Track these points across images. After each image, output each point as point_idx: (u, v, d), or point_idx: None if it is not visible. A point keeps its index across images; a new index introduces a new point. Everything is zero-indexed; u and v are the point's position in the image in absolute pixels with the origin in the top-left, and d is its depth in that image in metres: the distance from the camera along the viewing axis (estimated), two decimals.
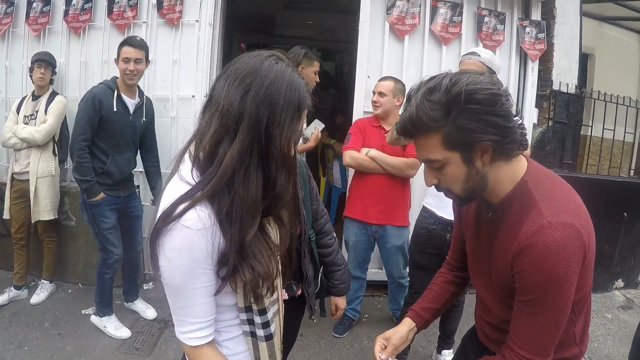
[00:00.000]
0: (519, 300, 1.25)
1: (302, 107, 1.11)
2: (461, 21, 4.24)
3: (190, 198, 1.04)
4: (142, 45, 3.39)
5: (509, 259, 1.25)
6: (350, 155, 3.35)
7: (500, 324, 1.43)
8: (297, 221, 1.93)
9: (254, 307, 1.18)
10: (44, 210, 3.84)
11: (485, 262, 1.43)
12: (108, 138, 3.36)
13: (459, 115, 1.14)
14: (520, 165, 1.31)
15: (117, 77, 3.42)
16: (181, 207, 1.03)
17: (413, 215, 3.38)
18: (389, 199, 3.31)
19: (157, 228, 1.04)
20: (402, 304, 3.33)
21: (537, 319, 1.23)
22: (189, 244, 1.03)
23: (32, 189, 3.76)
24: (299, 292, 2.06)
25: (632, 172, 5.69)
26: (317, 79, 3.73)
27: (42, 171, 3.79)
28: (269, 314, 1.22)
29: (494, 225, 1.36)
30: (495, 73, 2.64)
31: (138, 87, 3.57)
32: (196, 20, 4.06)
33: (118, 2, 4.10)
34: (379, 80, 3.44)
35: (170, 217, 1.02)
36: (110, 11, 4.12)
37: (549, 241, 1.15)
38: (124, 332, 3.55)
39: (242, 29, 7.32)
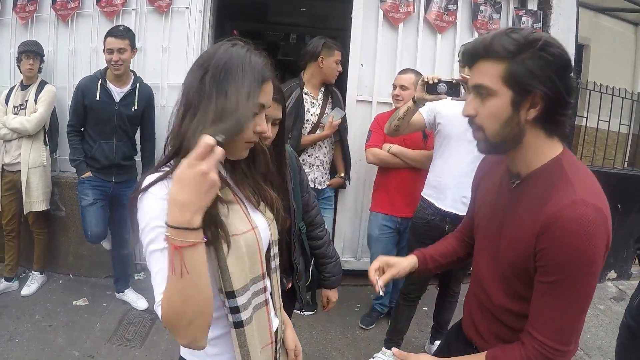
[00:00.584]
0: (542, 282, 1.20)
1: (259, 79, 1.12)
2: (456, 10, 4.19)
3: (160, 172, 1.10)
4: (124, 35, 3.42)
5: (533, 234, 1.20)
6: (372, 153, 3.42)
7: (497, 312, 1.39)
8: (286, 214, 1.90)
9: (223, 290, 1.15)
10: (36, 201, 3.80)
11: (495, 239, 1.39)
12: (94, 125, 3.52)
13: (530, 58, 1.16)
14: (557, 147, 1.28)
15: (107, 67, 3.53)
16: (150, 180, 1.09)
17: None
18: (414, 191, 3.26)
19: (131, 198, 1.10)
20: (398, 295, 3.29)
21: (561, 302, 1.18)
22: (156, 210, 1.05)
23: (23, 180, 3.71)
24: (289, 285, 2.04)
25: (625, 164, 5.68)
26: (340, 69, 3.62)
27: (33, 161, 3.74)
28: (240, 300, 1.16)
29: (517, 197, 1.32)
30: None
31: (134, 74, 3.64)
32: (186, 7, 4.00)
33: None
34: (400, 73, 3.41)
35: (139, 189, 1.08)
36: None
37: (582, 217, 1.12)
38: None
39: (234, 16, 7.22)
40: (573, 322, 1.20)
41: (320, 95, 3.67)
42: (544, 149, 1.27)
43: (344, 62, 3.76)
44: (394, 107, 3.45)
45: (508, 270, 1.31)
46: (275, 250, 1.35)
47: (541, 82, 1.16)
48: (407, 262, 1.69)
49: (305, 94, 3.60)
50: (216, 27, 4.43)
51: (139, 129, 3.75)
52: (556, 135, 1.27)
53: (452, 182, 2.84)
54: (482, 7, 4.23)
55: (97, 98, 3.43)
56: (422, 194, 3.08)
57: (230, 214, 1.16)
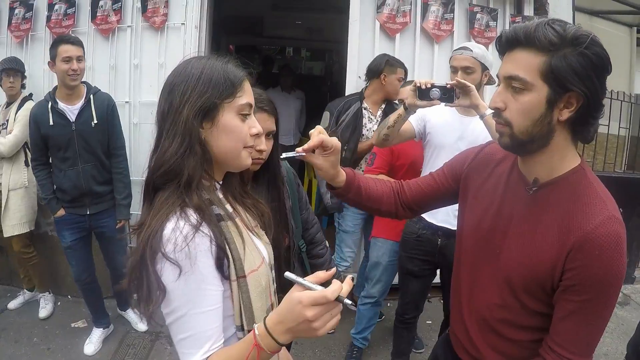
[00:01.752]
0: (571, 300, 1.14)
1: (232, 80, 1.12)
2: (453, 18, 4.16)
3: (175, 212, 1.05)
4: (80, 42, 3.20)
5: (561, 251, 1.14)
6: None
7: (494, 324, 1.33)
8: (285, 232, 1.87)
9: (244, 327, 1.12)
10: (17, 223, 3.62)
11: (495, 247, 1.32)
12: (56, 153, 3.21)
13: (573, 54, 1.09)
14: (576, 156, 1.23)
15: (57, 86, 3.23)
16: (175, 227, 1.03)
17: None
18: None
19: (150, 252, 1.01)
20: (395, 318, 3.13)
21: (591, 320, 1.14)
22: (208, 267, 1.04)
23: (3, 202, 3.59)
24: None
25: (625, 167, 5.64)
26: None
27: (13, 183, 3.59)
28: None
29: (536, 205, 1.24)
30: (488, 69, 2.54)
31: (87, 85, 3.31)
32: (182, 23, 3.96)
33: (102, 7, 3.99)
34: (402, 87, 3.28)
35: (159, 243, 1.02)
36: (93, 16, 4.01)
37: (615, 234, 1.10)
38: (88, 349, 3.43)
39: (230, 31, 7.25)
40: (598, 337, 1.17)
41: (379, 112, 3.64)
42: (568, 155, 1.21)
43: (342, 75, 3.72)
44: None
45: (517, 284, 1.25)
46: (272, 274, 1.31)
47: (581, 81, 1.10)
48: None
49: (365, 108, 3.59)
50: (212, 43, 4.41)
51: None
52: (580, 140, 1.21)
53: None
54: (478, 15, 4.20)
55: (51, 123, 3.09)
56: None
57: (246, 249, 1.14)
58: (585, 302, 1.12)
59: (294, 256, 1.96)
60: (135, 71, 3.95)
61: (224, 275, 1.06)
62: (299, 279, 0.97)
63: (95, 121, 3.20)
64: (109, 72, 3.98)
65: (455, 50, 2.67)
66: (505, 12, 4.36)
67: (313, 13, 7.09)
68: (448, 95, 2.23)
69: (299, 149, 1.33)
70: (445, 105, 2.32)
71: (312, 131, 1.35)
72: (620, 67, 7.47)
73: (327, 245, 2.20)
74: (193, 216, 1.03)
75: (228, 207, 1.19)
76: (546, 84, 1.12)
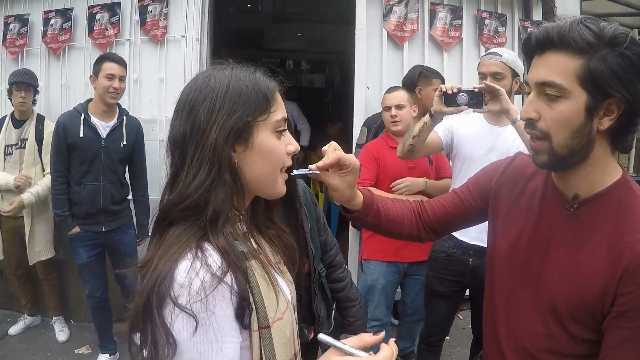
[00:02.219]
0: (623, 328, 1.02)
1: (265, 91, 0.98)
2: (461, 25, 4.07)
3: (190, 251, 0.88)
4: (124, 63, 3.24)
5: (612, 275, 1.02)
6: None
7: (539, 353, 1.19)
8: (304, 257, 1.72)
9: None
10: (42, 249, 3.58)
11: (534, 271, 1.18)
12: (78, 166, 3.15)
13: (611, 54, 0.97)
14: (618, 166, 1.11)
15: (91, 100, 3.23)
16: (189, 270, 0.85)
17: None
18: None
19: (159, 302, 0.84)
20: (419, 340, 3.00)
21: None
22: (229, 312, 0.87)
23: (27, 230, 3.49)
24: (312, 336, 1.84)
25: (631, 169, 5.56)
26: None
27: (37, 209, 3.52)
28: None
29: (580, 228, 1.11)
30: (519, 76, 2.40)
31: (119, 106, 3.32)
32: (182, 36, 3.86)
33: (99, 20, 3.90)
34: (387, 93, 3.02)
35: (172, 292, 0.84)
36: (90, 30, 3.92)
37: None
38: None
39: (230, 44, 7.20)
40: None
41: None
42: (609, 167, 1.09)
43: (342, 85, 3.59)
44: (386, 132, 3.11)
45: (563, 312, 1.11)
46: (295, 315, 1.14)
47: (622, 86, 0.98)
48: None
49: None
50: (213, 56, 4.30)
51: (127, 168, 3.40)
52: (619, 150, 1.09)
53: None
54: (487, 21, 4.12)
55: (81, 135, 3.07)
56: None
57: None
58: (638, 329, 1.00)
59: (315, 282, 1.82)
60: (135, 86, 3.86)
61: (244, 325, 0.89)
62: (340, 345, 0.82)
63: (125, 142, 3.24)
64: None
65: (483, 55, 2.54)
66: (514, 17, 4.28)
67: (314, 24, 7.07)
68: (476, 100, 2.10)
69: (312, 166, 1.17)
70: (473, 111, 2.19)
71: (325, 147, 1.20)
72: None
73: (347, 268, 2.06)
74: (213, 257, 0.86)
75: (252, 242, 1.04)
76: (584, 90, 1.00)
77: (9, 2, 4.18)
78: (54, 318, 3.86)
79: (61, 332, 3.80)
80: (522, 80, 2.42)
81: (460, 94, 2.10)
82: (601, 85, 0.98)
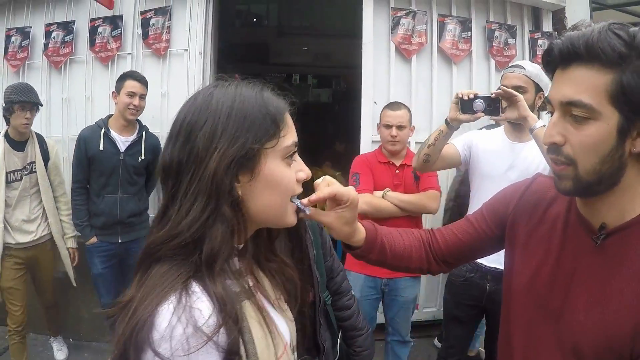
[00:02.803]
0: None
1: (275, 113, 0.87)
2: (470, 37, 3.98)
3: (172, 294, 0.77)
4: (145, 81, 3.33)
5: None
6: (365, 201, 2.75)
7: None
8: (309, 285, 1.61)
9: None
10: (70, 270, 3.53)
11: (557, 306, 1.05)
12: (97, 178, 3.27)
13: None
14: None
15: (111, 115, 3.35)
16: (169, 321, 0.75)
17: None
18: None
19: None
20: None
21: None
22: None
23: (63, 253, 3.43)
24: None
25: None
26: None
27: (58, 229, 3.42)
28: None
29: (609, 261, 0.97)
30: (542, 91, 2.31)
31: (140, 123, 3.42)
32: (185, 50, 3.79)
33: (100, 33, 3.86)
34: (390, 110, 2.93)
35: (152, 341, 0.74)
36: (92, 43, 3.88)
37: None
38: None
39: (235, 58, 7.18)
40: None
41: None
42: (638, 191, 0.96)
43: (349, 100, 3.51)
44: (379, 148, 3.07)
45: (588, 353, 0.97)
46: (295, 356, 1.03)
47: None
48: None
49: None
50: (217, 70, 4.23)
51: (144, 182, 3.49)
52: None
53: None
54: (497, 33, 4.03)
55: (101, 148, 3.20)
56: None
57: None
58: None
59: (319, 312, 1.71)
60: None
61: None
62: None
63: (143, 157, 3.33)
64: (110, 102, 3.77)
65: (506, 68, 2.46)
66: (523, 28, 4.20)
67: (319, 38, 7.06)
68: (493, 107, 2.02)
69: (303, 201, 0.97)
70: (490, 119, 2.12)
71: (318, 181, 1.06)
72: None
73: (354, 295, 1.95)
74: (201, 303, 0.76)
75: (249, 278, 0.92)
76: (616, 109, 0.87)
77: (11, 15, 4.17)
78: (52, 338, 3.79)
79: (59, 350, 3.73)
80: (545, 95, 2.32)
81: (477, 100, 2.04)
82: (636, 102, 0.87)
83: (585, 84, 0.89)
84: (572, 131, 0.92)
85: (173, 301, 0.74)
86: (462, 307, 2.60)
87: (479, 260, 2.45)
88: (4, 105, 3.18)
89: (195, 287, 0.77)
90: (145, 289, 0.77)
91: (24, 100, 3.10)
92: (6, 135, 3.20)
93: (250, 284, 0.91)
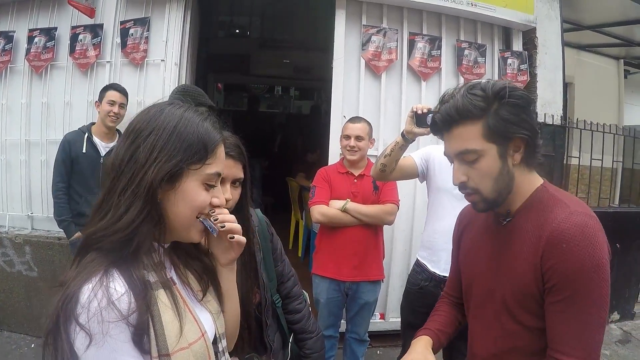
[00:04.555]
0: (556, 302, 1.17)
1: (206, 145, 1.01)
2: (440, 55, 4.10)
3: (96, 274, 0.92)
4: (125, 92, 3.51)
5: (537, 258, 1.20)
6: (319, 212, 3.01)
7: (508, 357, 1.34)
8: (255, 287, 1.72)
9: None
10: None
11: (492, 282, 1.36)
12: (79, 179, 3.43)
13: (501, 107, 1.22)
14: (537, 178, 1.34)
15: (93, 123, 3.52)
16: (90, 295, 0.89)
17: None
18: (363, 252, 3.03)
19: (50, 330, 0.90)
20: None
21: (581, 317, 1.15)
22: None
23: None
24: None
25: (617, 200, 5.60)
26: None
27: None
28: None
29: (511, 232, 1.32)
30: None
31: (119, 132, 3.54)
32: (161, 60, 3.88)
33: (81, 41, 3.92)
34: (350, 123, 3.11)
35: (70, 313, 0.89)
36: (72, 50, 3.94)
37: (581, 224, 1.15)
38: None
39: (217, 69, 7.24)
40: (597, 334, 1.16)
41: None
42: (527, 183, 1.31)
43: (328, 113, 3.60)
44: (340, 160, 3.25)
45: (512, 303, 1.28)
46: (223, 344, 1.16)
47: (519, 126, 1.23)
48: (419, 345, 1.51)
49: None
50: (198, 80, 4.32)
51: None
52: (534, 166, 1.32)
53: (446, 243, 2.46)
54: (466, 51, 4.15)
55: (84, 150, 3.41)
56: (417, 255, 2.81)
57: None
58: (568, 300, 1.15)
59: (267, 312, 1.80)
60: None
61: (144, 350, 0.91)
62: None
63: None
64: (87, 108, 3.88)
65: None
66: (494, 47, 4.34)
67: (300, 51, 7.13)
68: None
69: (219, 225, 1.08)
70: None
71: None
72: (609, 99, 7.51)
73: (307, 299, 2.04)
74: (117, 283, 0.90)
75: (169, 272, 1.06)
76: (492, 143, 1.24)
77: None
78: None
79: None
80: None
81: (430, 114, 2.11)
82: (503, 133, 1.23)
83: (466, 136, 1.26)
84: (470, 170, 1.28)
85: (94, 281, 0.88)
86: (417, 315, 2.63)
87: (433, 270, 2.61)
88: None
89: (114, 272, 0.91)
90: (78, 270, 0.92)
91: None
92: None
93: (172, 276, 1.05)
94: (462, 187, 1.31)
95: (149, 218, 0.95)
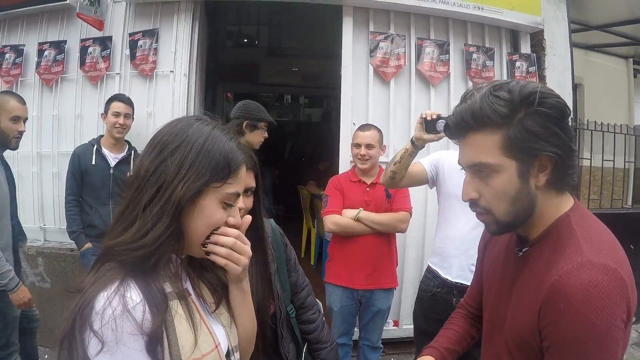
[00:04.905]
0: None
1: (229, 165, 1.00)
2: (449, 59, 4.08)
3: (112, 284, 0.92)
4: (130, 102, 3.53)
5: (536, 309, 1.01)
6: (332, 221, 3.01)
7: None
8: (270, 298, 1.71)
9: None
10: None
11: (500, 313, 1.20)
12: (90, 191, 3.45)
13: (527, 116, 1.01)
14: (568, 201, 1.12)
15: (102, 136, 3.55)
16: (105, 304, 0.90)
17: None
18: (376, 260, 3.02)
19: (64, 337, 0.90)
20: None
21: None
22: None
23: None
24: None
25: (629, 201, 5.54)
26: None
27: None
28: None
29: (523, 265, 1.14)
30: None
31: (128, 143, 3.60)
32: (170, 71, 3.90)
33: (90, 53, 3.96)
34: (360, 131, 3.10)
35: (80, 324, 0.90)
36: (82, 62, 3.97)
37: (589, 281, 0.93)
38: None
39: (226, 78, 7.27)
40: None
41: None
42: (555, 207, 1.11)
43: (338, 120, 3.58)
44: (352, 168, 3.23)
45: (512, 347, 1.12)
46: (236, 357, 1.16)
47: (547, 142, 1.01)
48: None
49: None
50: (208, 90, 4.34)
51: None
52: (566, 188, 1.12)
53: (458, 249, 2.52)
54: (474, 55, 4.13)
55: (93, 162, 3.43)
56: (428, 262, 2.79)
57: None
58: None
59: (282, 323, 1.80)
60: None
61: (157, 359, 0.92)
62: None
63: (131, 173, 3.36)
64: (98, 120, 3.89)
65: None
66: (502, 50, 4.31)
67: (308, 59, 7.13)
68: None
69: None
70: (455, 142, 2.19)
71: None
72: (619, 99, 7.44)
73: (320, 309, 2.03)
74: (133, 293, 0.90)
75: (184, 283, 1.06)
76: (512, 159, 1.04)
77: (6, 33, 4.27)
78: None
79: None
80: None
81: (440, 120, 2.11)
82: (525, 149, 1.02)
83: (481, 146, 1.05)
84: (483, 186, 1.09)
85: (110, 289, 0.89)
86: (430, 322, 2.63)
87: (445, 276, 2.58)
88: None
89: (131, 282, 0.92)
90: (96, 277, 0.93)
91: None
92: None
93: (187, 287, 1.06)
94: (473, 205, 1.13)
95: (173, 235, 0.95)
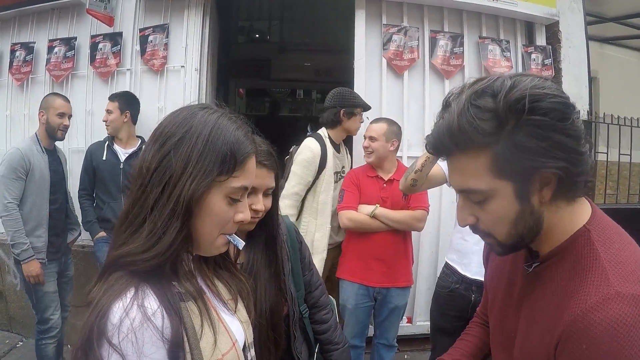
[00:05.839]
0: None
1: (233, 155, 0.92)
2: (463, 52, 4.01)
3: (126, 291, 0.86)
4: (112, 97, 3.56)
5: (552, 341, 0.87)
6: (348, 217, 2.96)
7: None
8: (283, 299, 1.66)
9: None
10: None
11: (506, 330, 1.08)
12: (102, 186, 3.54)
13: (518, 129, 0.83)
14: (583, 209, 0.97)
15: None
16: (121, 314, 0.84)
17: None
18: (392, 258, 2.97)
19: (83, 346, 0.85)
20: None
21: None
22: None
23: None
24: None
25: None
26: None
27: None
28: None
29: (535, 281, 1.00)
30: None
31: (143, 139, 3.65)
32: (181, 66, 3.88)
33: (101, 49, 3.95)
34: (371, 123, 3.11)
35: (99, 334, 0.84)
36: (93, 59, 3.97)
37: (618, 319, 0.78)
38: None
39: (238, 73, 7.25)
40: None
41: None
42: (567, 221, 0.95)
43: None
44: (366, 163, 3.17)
45: None
46: (252, 353, 1.11)
47: (545, 155, 0.84)
48: None
49: None
50: (220, 86, 4.30)
51: None
52: (578, 196, 0.95)
53: (477, 245, 2.43)
54: (490, 47, 4.05)
55: (104, 158, 3.51)
56: (446, 258, 2.76)
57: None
58: None
59: (295, 325, 1.75)
60: None
61: None
62: None
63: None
64: None
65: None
66: (517, 42, 4.23)
67: (320, 54, 7.10)
68: None
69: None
70: None
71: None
72: (633, 92, 7.30)
73: (334, 309, 1.99)
74: (150, 299, 0.85)
75: (199, 280, 1.01)
76: (506, 180, 0.88)
77: (16, 30, 4.28)
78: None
79: None
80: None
81: None
82: (518, 166, 0.86)
83: (467, 170, 0.90)
84: (478, 210, 0.95)
85: (125, 299, 0.83)
86: (447, 318, 2.63)
87: (464, 273, 2.55)
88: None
89: (147, 289, 0.86)
90: (107, 286, 0.86)
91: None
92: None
93: (202, 284, 1.00)
94: (473, 229, 0.99)
95: (185, 238, 0.89)
